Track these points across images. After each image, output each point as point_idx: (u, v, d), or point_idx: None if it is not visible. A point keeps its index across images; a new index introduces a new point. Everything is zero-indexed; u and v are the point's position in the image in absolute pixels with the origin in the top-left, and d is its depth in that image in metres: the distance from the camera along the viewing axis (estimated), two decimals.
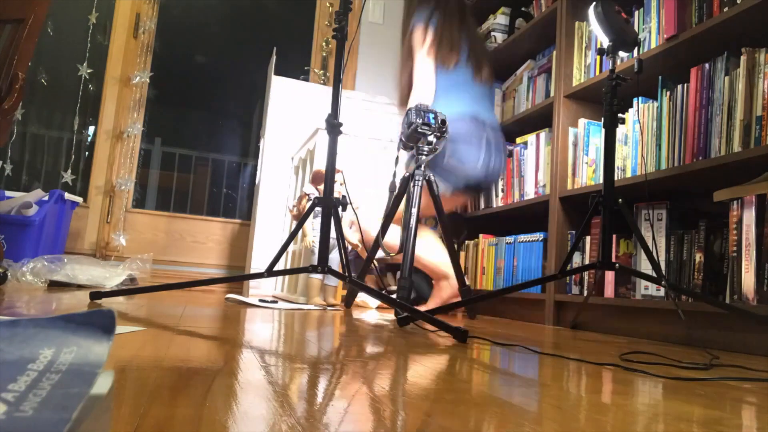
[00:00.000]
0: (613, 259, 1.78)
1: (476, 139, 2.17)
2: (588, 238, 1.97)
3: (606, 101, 1.58)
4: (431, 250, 2.25)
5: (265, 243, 2.73)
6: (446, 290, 2.30)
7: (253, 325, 1.21)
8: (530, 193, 2.36)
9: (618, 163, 1.89)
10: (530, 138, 2.41)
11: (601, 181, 1.59)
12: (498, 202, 2.56)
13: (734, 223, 1.41)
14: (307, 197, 2.33)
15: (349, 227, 2.32)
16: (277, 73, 2.86)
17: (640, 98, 1.84)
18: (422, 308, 1.91)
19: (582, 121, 2.11)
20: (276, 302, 2.05)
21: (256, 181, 2.99)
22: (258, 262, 2.71)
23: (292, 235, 1.45)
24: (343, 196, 1.46)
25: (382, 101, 2.97)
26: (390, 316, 1.92)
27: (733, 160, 1.45)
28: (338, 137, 1.46)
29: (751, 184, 1.37)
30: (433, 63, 2.25)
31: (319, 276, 2.23)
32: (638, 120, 1.82)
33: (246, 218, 3.19)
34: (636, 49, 1.85)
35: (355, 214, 1.72)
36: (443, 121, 1.83)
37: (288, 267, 2.62)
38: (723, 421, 0.56)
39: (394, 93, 2.80)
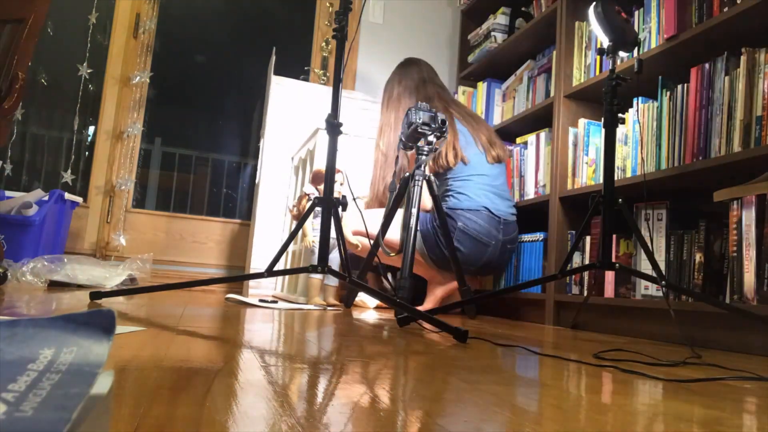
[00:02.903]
0: (613, 259, 1.78)
1: (486, 238, 2.16)
2: (588, 238, 1.97)
3: (606, 101, 1.58)
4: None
5: (265, 243, 2.73)
6: (439, 290, 2.32)
7: (253, 325, 1.21)
8: (530, 193, 2.36)
9: (618, 163, 1.89)
10: (530, 138, 2.41)
11: (601, 181, 1.59)
12: None
13: (734, 223, 1.41)
14: (307, 197, 2.33)
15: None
16: (277, 73, 2.86)
17: (640, 98, 1.84)
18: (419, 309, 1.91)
19: (582, 121, 2.11)
20: (276, 302, 2.05)
21: (256, 181, 2.99)
22: (258, 262, 2.71)
23: (292, 235, 1.45)
24: (344, 196, 1.46)
25: None
26: (389, 316, 1.92)
27: (733, 160, 1.45)
28: (338, 137, 1.46)
29: (751, 184, 1.37)
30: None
31: (319, 276, 2.23)
32: (638, 120, 1.82)
33: (246, 218, 3.19)
34: (636, 49, 1.85)
35: (362, 214, 1.72)
36: (443, 121, 1.83)
37: (288, 267, 2.62)
38: (723, 421, 0.56)
39: None
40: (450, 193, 2.21)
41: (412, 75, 2.47)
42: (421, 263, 2.24)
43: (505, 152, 2.35)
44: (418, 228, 2.15)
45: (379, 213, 2.21)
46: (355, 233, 2.27)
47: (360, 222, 2.23)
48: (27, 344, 0.34)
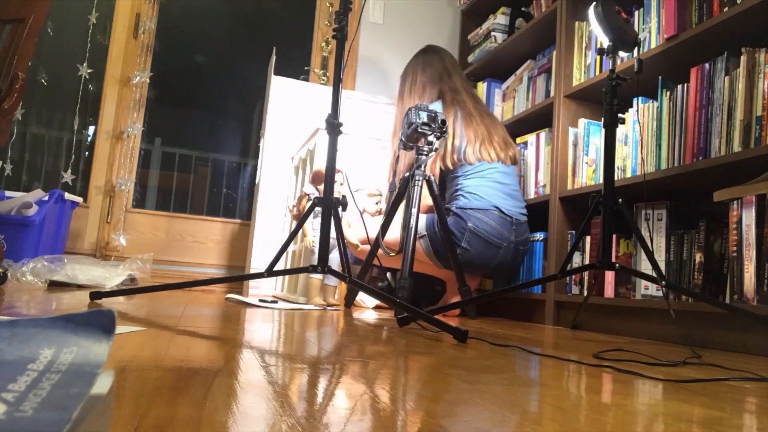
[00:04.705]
0: (613, 259, 1.78)
1: (497, 239, 2.11)
2: (588, 238, 1.97)
3: (606, 101, 1.58)
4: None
5: (265, 243, 2.73)
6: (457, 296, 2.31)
7: (253, 325, 1.21)
8: (530, 193, 2.36)
9: (618, 163, 1.89)
10: (530, 138, 2.41)
11: (601, 181, 1.59)
12: None
13: (734, 223, 1.41)
14: (307, 197, 2.33)
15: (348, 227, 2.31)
16: (277, 73, 2.86)
17: (640, 98, 1.84)
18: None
19: (582, 121, 2.11)
20: (276, 302, 2.05)
21: (256, 181, 2.99)
22: (258, 262, 2.71)
23: (292, 235, 1.45)
24: (343, 196, 1.46)
25: (382, 101, 2.97)
26: (389, 316, 1.92)
27: (733, 160, 1.45)
28: (338, 137, 1.46)
29: (751, 184, 1.37)
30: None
31: (319, 276, 2.23)
32: (638, 120, 1.82)
33: (246, 218, 3.19)
34: (636, 49, 1.85)
35: (362, 217, 1.72)
36: (443, 121, 1.83)
37: (288, 267, 2.62)
38: (723, 421, 0.56)
39: (394, 93, 2.81)
40: (460, 192, 2.15)
41: (435, 64, 2.41)
42: (432, 266, 2.23)
43: (518, 153, 2.33)
44: (425, 231, 2.13)
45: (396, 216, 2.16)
46: (363, 242, 2.25)
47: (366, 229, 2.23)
48: (27, 344, 0.34)
